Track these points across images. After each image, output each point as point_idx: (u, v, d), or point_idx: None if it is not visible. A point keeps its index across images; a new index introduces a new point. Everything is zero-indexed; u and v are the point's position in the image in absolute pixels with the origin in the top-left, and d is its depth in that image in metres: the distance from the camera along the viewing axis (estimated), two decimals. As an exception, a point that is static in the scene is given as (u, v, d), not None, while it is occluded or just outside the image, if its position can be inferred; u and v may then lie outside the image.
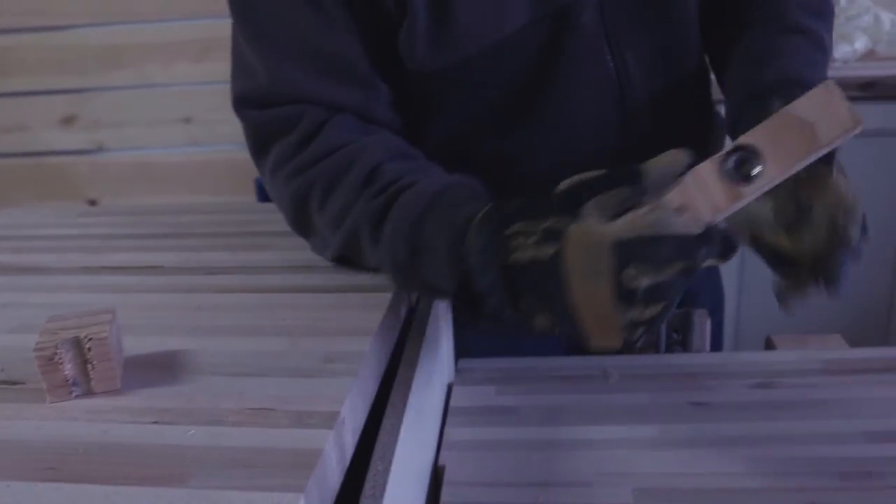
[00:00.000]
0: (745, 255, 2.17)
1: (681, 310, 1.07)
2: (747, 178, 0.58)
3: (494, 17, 0.81)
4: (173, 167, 2.41)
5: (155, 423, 0.61)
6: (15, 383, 0.68)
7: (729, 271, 1.97)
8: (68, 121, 2.38)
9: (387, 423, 0.66)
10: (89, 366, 0.65)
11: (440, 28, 0.80)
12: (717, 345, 1.20)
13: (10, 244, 1.07)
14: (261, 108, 0.79)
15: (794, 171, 0.58)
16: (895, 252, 2.01)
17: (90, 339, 0.65)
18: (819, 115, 0.56)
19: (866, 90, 1.86)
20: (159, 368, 0.69)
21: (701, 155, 1.02)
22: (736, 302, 2.07)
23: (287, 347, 0.71)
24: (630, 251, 0.56)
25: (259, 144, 0.81)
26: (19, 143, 2.42)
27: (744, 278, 2.06)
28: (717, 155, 0.59)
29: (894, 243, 2.00)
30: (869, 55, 2.05)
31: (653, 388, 0.95)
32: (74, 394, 0.65)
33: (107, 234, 1.09)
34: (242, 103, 0.81)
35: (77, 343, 0.65)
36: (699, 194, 0.58)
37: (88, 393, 0.66)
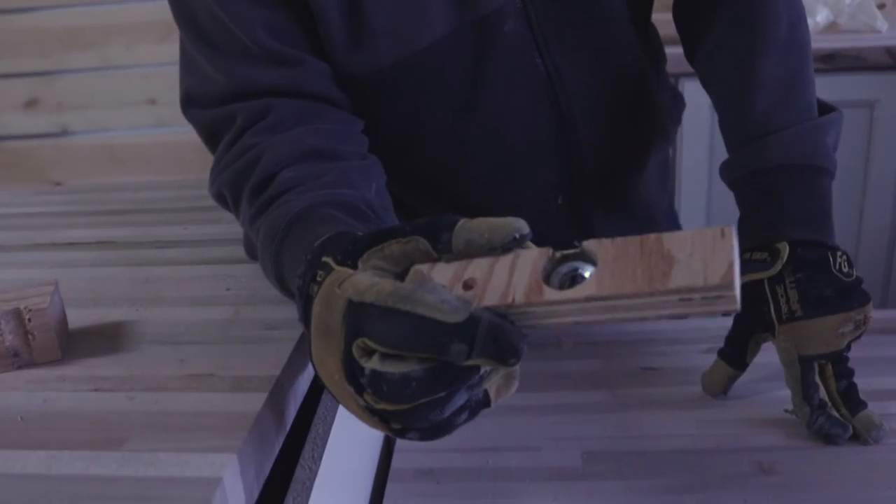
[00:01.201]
0: (710, 216, 2.17)
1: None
2: (564, 284, 0.46)
3: (410, 28, 0.80)
4: (139, 149, 2.39)
5: (95, 390, 0.61)
6: (-43, 355, 0.68)
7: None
8: (31, 104, 2.36)
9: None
10: (30, 336, 0.65)
11: (354, 37, 0.79)
12: (678, 314, 1.21)
13: (-39, 224, 1.06)
14: (203, 107, 0.79)
15: (618, 301, 0.44)
16: (859, 219, 2.03)
17: (30, 311, 0.65)
18: (690, 254, 0.44)
19: (827, 62, 1.88)
20: (103, 339, 0.69)
21: (643, 149, 1.02)
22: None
23: (230, 316, 0.71)
24: (364, 318, 0.45)
25: (207, 143, 0.81)
26: (-18, 127, 2.40)
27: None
28: (552, 249, 0.48)
29: (857, 213, 2.02)
30: (831, 28, 2.06)
31: (606, 355, 0.95)
32: (16, 364, 0.65)
33: (61, 212, 1.09)
34: (189, 102, 0.81)
35: (17, 314, 0.65)
36: (501, 276, 0.47)
37: (30, 363, 0.66)
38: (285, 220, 0.63)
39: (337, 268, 0.49)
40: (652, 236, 0.45)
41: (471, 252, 0.48)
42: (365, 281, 0.47)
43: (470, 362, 0.44)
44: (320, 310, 0.48)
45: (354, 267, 0.49)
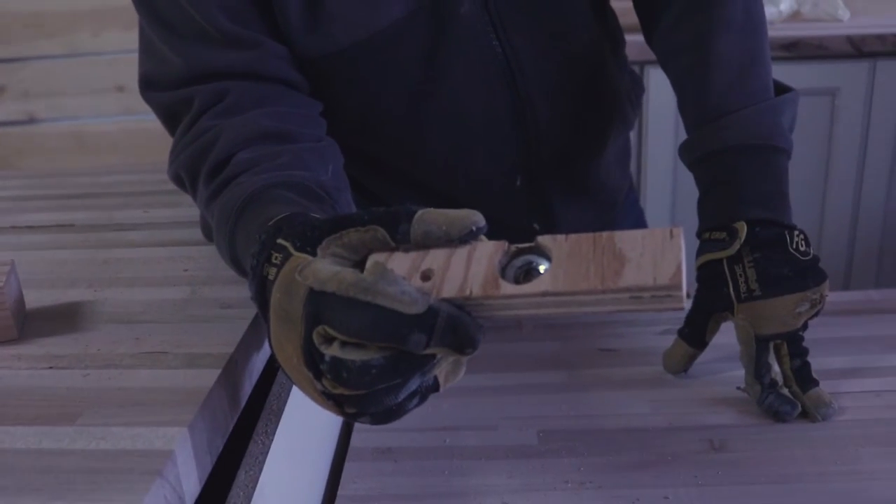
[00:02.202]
0: (676, 204, 2.19)
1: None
2: (519, 278, 0.47)
3: (367, 9, 0.81)
4: (107, 136, 2.38)
5: (50, 368, 0.61)
6: (-87, 335, 0.68)
7: (658, 225, 2.01)
8: (-3, 91, 2.34)
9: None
10: (-15, 315, 0.65)
11: (312, 19, 0.80)
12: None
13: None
14: (161, 89, 0.79)
15: (572, 297, 0.46)
16: (821, 206, 2.06)
17: (-14, 290, 0.65)
18: (641, 254, 0.46)
19: (790, 50, 1.90)
20: (59, 319, 0.69)
21: (602, 132, 1.03)
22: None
23: (187, 296, 0.71)
24: (326, 307, 0.46)
25: (166, 126, 0.81)
26: (-53, 115, 2.38)
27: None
28: (507, 242, 0.50)
29: (818, 199, 2.05)
30: (794, 17, 2.09)
31: (564, 337, 0.97)
32: (-29, 343, 0.66)
33: (21, 195, 1.09)
34: (147, 85, 0.81)
35: (-27, 294, 0.65)
36: (458, 268, 0.48)
37: (-15, 342, 0.66)
38: (239, 200, 0.64)
39: (296, 254, 0.49)
40: (605, 234, 0.47)
41: (428, 243, 0.49)
42: (326, 270, 0.47)
43: (428, 351, 0.46)
44: (280, 296, 0.49)
45: (313, 254, 0.49)
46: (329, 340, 0.46)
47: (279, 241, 0.51)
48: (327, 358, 0.46)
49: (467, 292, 0.47)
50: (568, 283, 0.46)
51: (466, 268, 0.48)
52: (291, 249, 0.50)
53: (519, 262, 0.48)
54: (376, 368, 0.46)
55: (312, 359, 0.47)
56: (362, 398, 0.47)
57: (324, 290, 0.46)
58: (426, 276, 0.48)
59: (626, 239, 0.46)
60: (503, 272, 0.48)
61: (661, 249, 0.45)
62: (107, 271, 0.79)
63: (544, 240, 0.48)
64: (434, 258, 0.49)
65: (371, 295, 0.45)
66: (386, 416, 0.49)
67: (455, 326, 0.45)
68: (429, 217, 0.49)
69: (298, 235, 0.51)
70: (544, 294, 0.46)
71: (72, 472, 0.49)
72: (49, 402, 0.57)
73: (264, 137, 0.72)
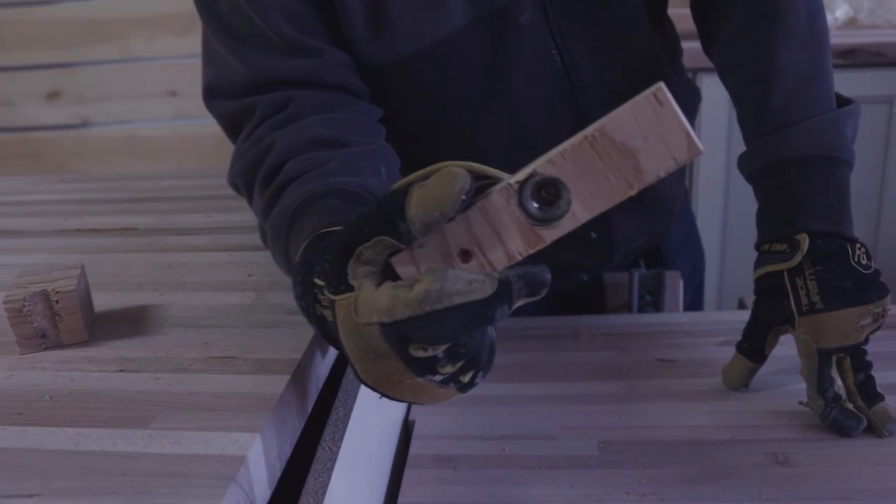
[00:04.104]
0: (728, 212, 2.17)
1: (653, 270, 1.08)
2: (549, 221, 0.46)
3: (429, 19, 0.81)
4: (160, 140, 2.41)
5: (121, 371, 0.62)
6: (-14, 337, 0.69)
7: (710, 234, 1.99)
8: (53, 95, 2.38)
9: (351, 371, 0.67)
10: (57, 318, 0.66)
11: (375, 27, 0.80)
12: (696, 308, 1.22)
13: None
14: (225, 98, 0.80)
15: (603, 210, 0.46)
16: (877, 215, 2.03)
17: (58, 293, 0.66)
18: (645, 139, 0.44)
19: (846, 58, 1.87)
20: (128, 322, 0.70)
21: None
22: (719, 266, 2.09)
23: (252, 301, 0.72)
24: (409, 330, 0.47)
25: (228, 134, 0.82)
26: (4, 118, 2.42)
27: (726, 242, 2.07)
28: (507, 183, 0.47)
29: (874, 208, 2.02)
30: (850, 23, 2.06)
31: (622, 346, 0.96)
32: (44, 345, 0.67)
33: (85, 199, 1.11)
34: (211, 94, 0.82)
35: (45, 296, 0.66)
36: (489, 236, 0.47)
37: (57, 344, 0.67)
38: (288, 213, 0.64)
39: (337, 298, 0.50)
40: (595, 133, 0.45)
41: (432, 228, 0.47)
42: (382, 299, 0.47)
43: (518, 304, 0.48)
44: (354, 343, 0.50)
45: (345, 282, 0.50)
46: (425, 350, 0.48)
47: (316, 280, 0.52)
48: (440, 354, 0.48)
49: (517, 257, 0.47)
50: (599, 201, 0.45)
51: (495, 232, 0.47)
52: (330, 295, 0.50)
53: (528, 198, 0.47)
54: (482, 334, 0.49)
55: (422, 367, 0.49)
56: (476, 355, 0.50)
57: (396, 319, 0.47)
58: (465, 256, 0.48)
59: (620, 127, 0.45)
60: (527, 213, 0.47)
61: (659, 122, 0.44)
62: (172, 275, 0.79)
63: (544, 168, 0.46)
64: (455, 236, 0.48)
65: (446, 299, 0.45)
66: (489, 358, 0.52)
67: (527, 282, 0.47)
68: (418, 208, 0.47)
69: (326, 272, 0.51)
70: (576, 223, 0.46)
71: (147, 476, 0.49)
72: (122, 404, 0.57)
73: (317, 144, 0.73)
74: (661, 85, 0.44)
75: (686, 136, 0.43)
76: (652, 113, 0.44)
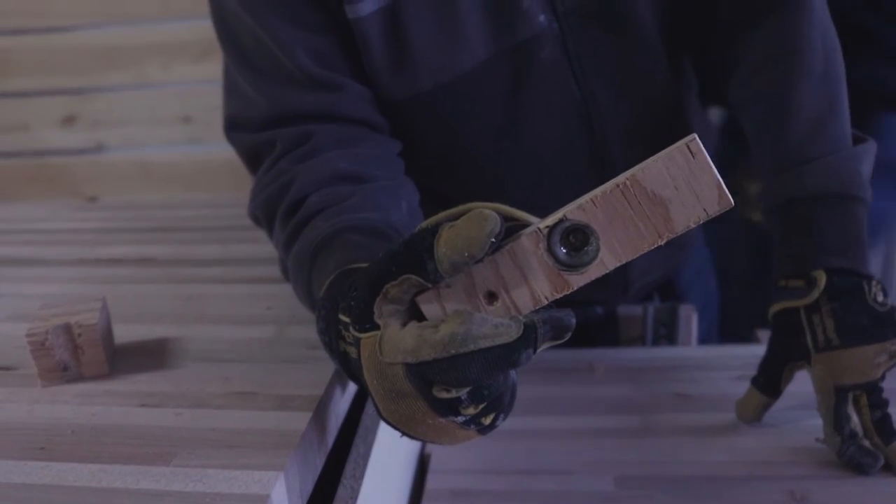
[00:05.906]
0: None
1: (668, 304, 1.08)
2: (576, 266, 0.46)
3: (450, 54, 0.82)
4: (173, 166, 2.42)
5: (142, 405, 0.62)
6: (8, 368, 0.70)
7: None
8: (69, 121, 2.40)
9: (370, 407, 0.68)
10: (79, 351, 0.67)
11: (397, 62, 0.81)
12: (710, 342, 1.21)
13: (6, 238, 1.09)
14: (246, 131, 0.81)
15: (631, 258, 0.46)
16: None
17: (80, 326, 0.66)
18: (676, 189, 0.43)
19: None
20: (148, 355, 0.71)
21: None
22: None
23: (273, 335, 0.72)
24: (431, 372, 0.48)
25: (248, 167, 0.83)
26: (20, 142, 2.43)
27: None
28: (536, 227, 0.47)
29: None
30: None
31: (638, 380, 0.96)
32: (65, 378, 0.67)
33: (103, 227, 1.11)
34: (232, 127, 0.83)
35: (67, 329, 0.66)
36: (516, 279, 0.47)
37: (78, 377, 0.67)
38: (311, 248, 0.65)
39: (363, 336, 0.51)
40: (626, 181, 0.45)
41: (460, 269, 0.47)
42: (405, 339, 0.48)
43: (542, 349, 0.48)
44: (378, 382, 0.50)
45: (371, 320, 0.50)
46: (448, 391, 0.48)
47: (341, 316, 0.52)
48: (463, 397, 0.49)
49: (543, 301, 0.47)
50: (627, 250, 0.45)
51: (522, 275, 0.47)
52: (355, 333, 0.51)
53: (556, 243, 0.47)
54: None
55: (445, 408, 0.49)
56: (499, 397, 0.51)
57: (421, 360, 0.47)
58: (490, 298, 0.48)
59: (651, 176, 0.44)
60: (555, 258, 0.47)
61: (691, 173, 0.44)
62: (191, 307, 0.80)
63: (574, 214, 0.46)
64: (482, 277, 0.48)
65: (472, 342, 0.46)
66: (510, 401, 0.52)
67: (552, 326, 0.47)
68: (447, 248, 0.47)
69: (352, 309, 0.51)
70: (604, 270, 0.46)
71: (172, 514, 0.49)
72: (144, 440, 0.58)
73: (339, 179, 0.73)
74: (695, 136, 0.44)
75: (718, 189, 0.43)
76: (684, 163, 0.44)
